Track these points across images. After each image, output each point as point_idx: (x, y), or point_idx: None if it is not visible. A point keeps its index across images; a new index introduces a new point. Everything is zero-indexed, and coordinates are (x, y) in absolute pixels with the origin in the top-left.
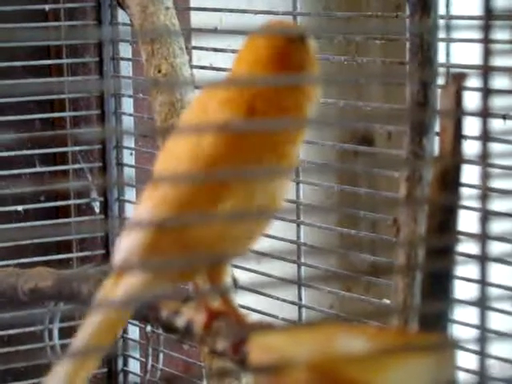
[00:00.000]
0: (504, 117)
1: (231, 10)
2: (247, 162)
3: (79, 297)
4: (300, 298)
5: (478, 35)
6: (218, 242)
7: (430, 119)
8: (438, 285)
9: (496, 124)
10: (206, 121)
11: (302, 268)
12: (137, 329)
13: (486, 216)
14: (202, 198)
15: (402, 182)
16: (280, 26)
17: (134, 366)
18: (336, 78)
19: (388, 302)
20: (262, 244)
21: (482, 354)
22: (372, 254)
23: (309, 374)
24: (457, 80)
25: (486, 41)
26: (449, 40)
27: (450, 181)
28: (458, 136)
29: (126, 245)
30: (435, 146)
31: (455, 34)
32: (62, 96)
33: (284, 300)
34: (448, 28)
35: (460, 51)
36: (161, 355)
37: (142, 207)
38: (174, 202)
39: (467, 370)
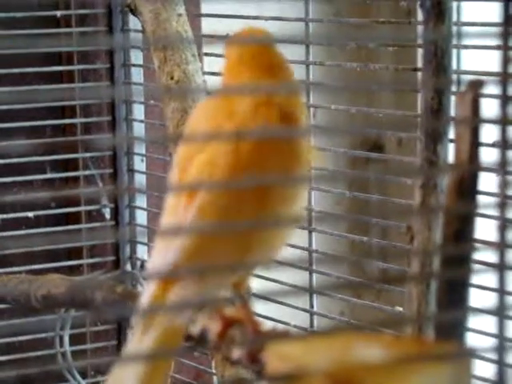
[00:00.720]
0: None
1: (242, 17)
2: (272, 169)
3: (92, 304)
4: (312, 306)
5: (491, 42)
6: (254, 247)
7: (444, 126)
8: (454, 293)
9: None
10: (236, 126)
11: (314, 275)
12: None
13: (505, 224)
14: (245, 205)
15: (416, 190)
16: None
17: None
18: (348, 84)
19: (400, 309)
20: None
21: (501, 363)
22: (383, 261)
23: (326, 383)
24: (473, 87)
25: (505, 47)
26: (463, 47)
27: (466, 189)
28: (475, 143)
29: (165, 252)
30: (449, 153)
31: (468, 41)
32: (73, 102)
33: (296, 307)
34: (460, 35)
35: (472, 58)
36: (172, 362)
37: (173, 215)
38: (217, 210)
39: (485, 380)
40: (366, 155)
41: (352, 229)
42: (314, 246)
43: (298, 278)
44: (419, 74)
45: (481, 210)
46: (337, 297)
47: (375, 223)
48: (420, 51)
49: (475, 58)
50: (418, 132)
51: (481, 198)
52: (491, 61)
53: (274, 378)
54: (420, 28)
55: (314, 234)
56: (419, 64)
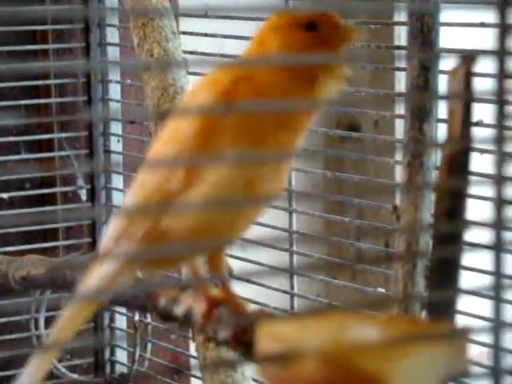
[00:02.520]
0: None
1: None
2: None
3: (73, 285)
4: (292, 287)
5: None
6: (214, 228)
7: (430, 104)
8: (446, 272)
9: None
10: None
11: (294, 256)
12: (124, 318)
13: (501, 202)
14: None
15: (402, 168)
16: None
17: (121, 355)
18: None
19: (382, 290)
20: (252, 232)
21: (496, 344)
22: (361, 241)
23: (320, 363)
24: (466, 62)
25: (503, 24)
26: (448, 24)
27: (458, 165)
28: (467, 120)
29: (111, 232)
30: (436, 131)
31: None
32: (48, 82)
33: (277, 289)
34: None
35: (450, 34)
36: (149, 345)
37: (131, 193)
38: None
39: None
40: (343, 134)
41: (329, 209)
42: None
43: (276, 259)
44: (396, 52)
45: (475, 188)
46: (315, 278)
47: (356, 203)
48: (398, 29)
49: (457, 36)
50: (396, 111)
51: (477, 176)
52: (475, 38)
53: (266, 358)
54: (401, 5)
55: (293, 214)
56: (396, 42)
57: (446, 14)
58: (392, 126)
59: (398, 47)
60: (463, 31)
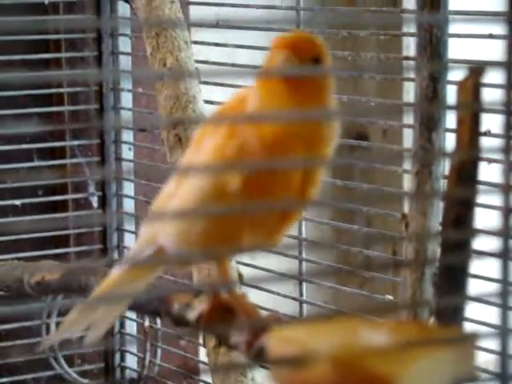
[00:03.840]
0: None
1: (232, 5)
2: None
3: (87, 289)
4: (301, 294)
5: (483, 31)
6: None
7: (439, 114)
8: (454, 279)
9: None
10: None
11: (303, 263)
12: (134, 324)
13: (508, 211)
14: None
15: (411, 177)
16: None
17: (131, 361)
18: (338, 71)
19: (390, 297)
20: None
21: (504, 350)
22: (367, 248)
23: (331, 367)
24: (475, 73)
25: (510, 35)
26: (457, 35)
27: (466, 174)
28: (476, 130)
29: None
30: (444, 141)
31: (456, 29)
32: (61, 90)
33: (285, 296)
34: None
35: (459, 46)
36: (158, 350)
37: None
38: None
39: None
40: (352, 143)
41: (338, 217)
42: (303, 234)
43: (286, 265)
44: (405, 62)
45: (483, 197)
46: (323, 285)
47: (365, 211)
48: (407, 40)
49: (465, 47)
50: (406, 121)
51: (484, 186)
52: (483, 50)
53: (279, 361)
54: (410, 16)
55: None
56: (405, 53)
57: (456, 26)
58: (400, 135)
59: (407, 58)
60: (473, 43)
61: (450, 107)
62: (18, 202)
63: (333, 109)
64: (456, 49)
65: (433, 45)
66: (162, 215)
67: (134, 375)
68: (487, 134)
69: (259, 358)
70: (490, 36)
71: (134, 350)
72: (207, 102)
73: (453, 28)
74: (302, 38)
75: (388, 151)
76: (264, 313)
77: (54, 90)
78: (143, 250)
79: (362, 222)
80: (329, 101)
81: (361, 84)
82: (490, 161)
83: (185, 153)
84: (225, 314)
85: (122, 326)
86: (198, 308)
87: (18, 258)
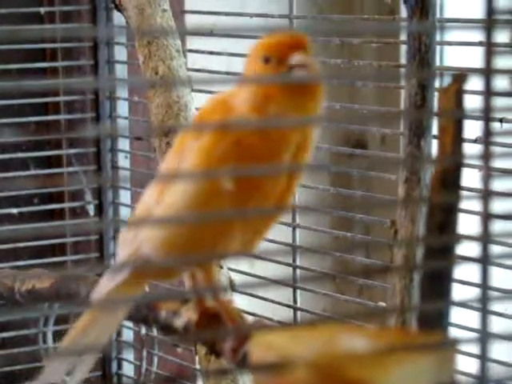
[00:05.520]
0: (501, 120)
1: (227, 14)
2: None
3: (77, 298)
4: (295, 301)
5: (474, 38)
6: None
7: (427, 121)
8: (438, 285)
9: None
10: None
11: (298, 271)
12: (131, 331)
13: (488, 217)
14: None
15: (400, 184)
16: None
17: (128, 368)
18: (331, 79)
19: (383, 304)
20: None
21: (483, 354)
22: (366, 255)
23: (311, 373)
24: (457, 80)
25: (489, 42)
26: (447, 43)
27: (450, 181)
28: (459, 136)
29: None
30: (433, 147)
31: (451, 37)
32: (57, 99)
33: (279, 303)
34: (442, 30)
35: (455, 55)
36: (155, 358)
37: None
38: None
39: (466, 374)
40: (349, 152)
41: (335, 224)
42: (297, 241)
43: (280, 272)
44: (402, 70)
45: (464, 204)
46: (319, 293)
47: (360, 219)
48: (403, 48)
49: (458, 55)
50: (402, 128)
51: (464, 192)
52: (474, 57)
53: (259, 367)
54: (401, 25)
55: (297, 228)
56: (402, 61)
57: (451, 34)
58: (398, 143)
59: (399, 66)
60: (468, 50)
61: (437, 114)
62: (14, 211)
63: (320, 114)
64: (452, 57)
65: (421, 52)
66: (146, 222)
67: (131, 383)
68: (478, 141)
69: (244, 364)
70: (480, 43)
71: (130, 357)
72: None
73: (448, 36)
74: (282, 34)
75: (384, 159)
76: (250, 319)
77: (50, 99)
78: (126, 264)
79: (360, 229)
80: (319, 105)
81: (358, 92)
82: (472, 167)
83: (165, 159)
84: (211, 321)
85: (119, 333)
86: (185, 315)
87: (15, 267)
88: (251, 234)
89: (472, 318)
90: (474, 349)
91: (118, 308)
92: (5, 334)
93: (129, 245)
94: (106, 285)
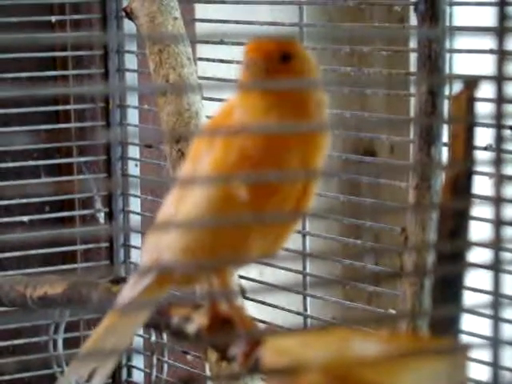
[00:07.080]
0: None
1: (237, 22)
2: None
3: (89, 304)
4: (305, 308)
5: (484, 46)
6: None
7: (438, 128)
8: (449, 291)
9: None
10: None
11: (307, 278)
12: (141, 339)
13: (499, 223)
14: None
15: (410, 191)
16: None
17: (138, 376)
18: (341, 87)
19: (393, 311)
20: None
21: (495, 361)
22: (375, 262)
23: (323, 377)
24: (469, 86)
25: (501, 49)
26: (457, 51)
27: (461, 187)
28: (470, 143)
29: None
30: (443, 154)
31: (461, 45)
32: (68, 107)
33: (289, 310)
34: (452, 37)
35: (465, 62)
36: (165, 366)
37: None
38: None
39: (478, 381)
40: (358, 159)
41: (345, 231)
42: (307, 248)
43: (290, 278)
44: (412, 78)
45: (475, 209)
46: (329, 300)
47: (368, 226)
48: (413, 56)
49: (468, 62)
50: (412, 136)
51: (476, 197)
52: (485, 65)
53: (272, 371)
54: (414, 31)
55: (307, 235)
56: (412, 69)
57: (461, 41)
58: (407, 151)
59: (409, 73)
60: (479, 58)
61: (448, 121)
62: (25, 218)
63: (324, 120)
64: (461, 64)
65: (431, 59)
66: (168, 229)
67: None
68: (488, 148)
69: (256, 369)
70: (491, 51)
71: (140, 365)
72: (210, 117)
73: (459, 43)
74: (267, 39)
75: (393, 166)
76: (262, 325)
77: (61, 107)
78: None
79: (369, 236)
80: (314, 112)
81: (367, 100)
82: (484, 174)
83: (182, 168)
84: (223, 326)
85: None
86: (197, 321)
87: (26, 274)
88: (271, 239)
89: (484, 325)
90: (486, 355)
91: (141, 313)
92: (15, 342)
93: (151, 252)
94: (130, 291)
